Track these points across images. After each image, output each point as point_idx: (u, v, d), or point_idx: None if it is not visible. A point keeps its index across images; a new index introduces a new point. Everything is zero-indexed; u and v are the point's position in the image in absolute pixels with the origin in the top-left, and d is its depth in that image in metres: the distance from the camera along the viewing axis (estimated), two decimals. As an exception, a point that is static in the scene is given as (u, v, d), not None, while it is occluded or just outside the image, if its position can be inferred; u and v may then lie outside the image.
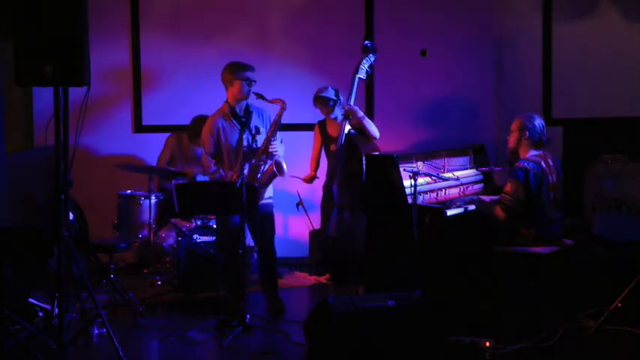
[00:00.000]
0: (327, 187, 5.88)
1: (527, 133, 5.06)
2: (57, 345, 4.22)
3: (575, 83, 6.98)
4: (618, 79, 6.89)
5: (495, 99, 7.18)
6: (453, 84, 7.15)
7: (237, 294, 5.07)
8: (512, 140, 5.14)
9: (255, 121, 5.35)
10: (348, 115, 5.68)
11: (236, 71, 5.28)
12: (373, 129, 5.78)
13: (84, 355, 4.56)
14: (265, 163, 5.26)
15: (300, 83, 6.84)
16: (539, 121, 5.09)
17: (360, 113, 5.72)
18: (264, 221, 5.41)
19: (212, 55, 6.88)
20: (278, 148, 5.26)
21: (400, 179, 5.12)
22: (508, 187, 4.98)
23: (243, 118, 5.33)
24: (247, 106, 5.37)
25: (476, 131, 6.96)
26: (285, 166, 5.24)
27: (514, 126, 5.13)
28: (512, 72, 7.15)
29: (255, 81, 5.31)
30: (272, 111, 5.38)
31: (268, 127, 5.36)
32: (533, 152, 5.07)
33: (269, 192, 5.45)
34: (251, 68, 5.32)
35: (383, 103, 6.99)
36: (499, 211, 4.98)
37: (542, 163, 5.02)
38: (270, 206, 5.46)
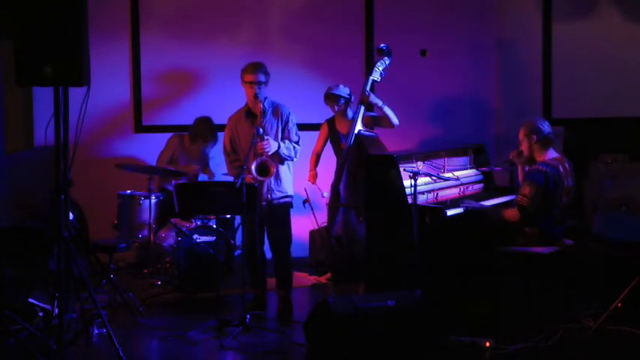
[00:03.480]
0: (334, 187, 5.87)
1: (534, 137, 5.06)
2: (57, 345, 4.22)
3: (575, 83, 6.97)
4: (618, 79, 6.89)
5: (495, 99, 7.18)
6: (453, 84, 7.15)
7: (262, 290, 5.50)
8: (524, 148, 5.15)
9: (269, 121, 5.41)
10: (365, 101, 5.65)
11: (241, 76, 5.42)
12: (394, 117, 5.78)
13: (84, 355, 4.56)
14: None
15: (300, 83, 6.84)
16: (542, 122, 5.11)
17: (380, 102, 5.72)
18: (274, 219, 5.47)
19: (212, 55, 6.89)
20: (270, 147, 5.28)
21: (400, 179, 5.12)
22: (527, 190, 4.94)
23: (255, 118, 5.36)
24: (262, 107, 5.38)
25: (476, 131, 6.96)
26: (268, 168, 5.25)
27: (521, 135, 5.14)
28: (513, 72, 7.14)
29: (259, 82, 5.35)
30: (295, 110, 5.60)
31: (282, 125, 5.44)
32: (550, 155, 5.06)
33: (284, 188, 5.49)
34: (251, 70, 5.36)
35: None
36: (513, 213, 4.97)
37: (560, 167, 5.01)
38: (281, 202, 5.48)
